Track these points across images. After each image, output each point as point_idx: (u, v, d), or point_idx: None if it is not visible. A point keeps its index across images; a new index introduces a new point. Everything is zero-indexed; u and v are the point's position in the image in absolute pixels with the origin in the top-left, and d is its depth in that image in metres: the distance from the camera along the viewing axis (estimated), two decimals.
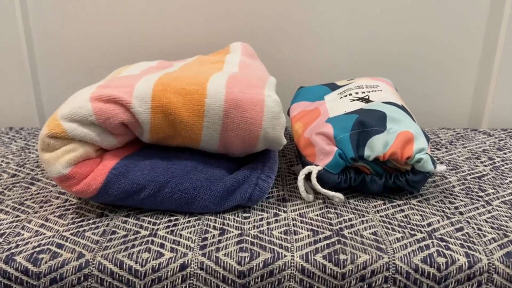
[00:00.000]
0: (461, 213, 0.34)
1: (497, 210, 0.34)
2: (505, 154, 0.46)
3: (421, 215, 0.33)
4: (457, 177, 0.40)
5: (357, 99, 0.41)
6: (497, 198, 0.36)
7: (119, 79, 0.34)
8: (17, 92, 0.59)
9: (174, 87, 0.32)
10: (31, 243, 0.29)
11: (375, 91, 0.42)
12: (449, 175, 0.41)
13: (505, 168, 0.42)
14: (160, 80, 0.33)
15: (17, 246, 0.29)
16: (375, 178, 0.35)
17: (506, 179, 0.40)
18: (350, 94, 0.42)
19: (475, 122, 0.60)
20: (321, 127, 0.36)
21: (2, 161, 0.43)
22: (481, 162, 0.44)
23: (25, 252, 0.28)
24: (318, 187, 0.34)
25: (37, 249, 0.29)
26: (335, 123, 0.36)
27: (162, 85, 0.32)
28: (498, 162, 0.44)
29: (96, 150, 0.32)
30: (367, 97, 0.41)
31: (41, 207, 0.35)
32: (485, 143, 0.49)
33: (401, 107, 0.38)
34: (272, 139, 0.33)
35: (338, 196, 0.34)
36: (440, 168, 0.35)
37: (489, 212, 0.34)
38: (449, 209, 0.34)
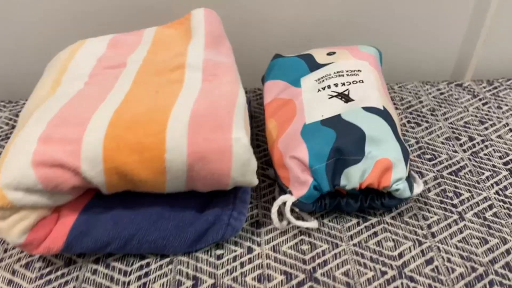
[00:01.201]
0: (433, 235, 0.34)
1: (469, 228, 0.34)
2: (486, 128, 0.44)
3: (393, 240, 0.33)
4: (434, 172, 0.39)
5: (336, 96, 0.37)
6: (471, 207, 0.36)
7: (60, 119, 0.29)
8: None
9: (128, 142, 0.28)
10: None
11: (356, 82, 0.38)
12: (426, 168, 0.40)
13: (484, 155, 0.41)
14: (111, 128, 0.28)
15: None
16: (350, 201, 0.34)
17: (484, 173, 0.39)
18: (329, 87, 0.38)
19: (463, 68, 0.56)
20: (296, 148, 0.33)
21: None
22: (461, 145, 0.42)
23: None
24: (292, 220, 0.33)
25: None
26: (310, 141, 0.33)
27: (114, 141, 0.28)
28: (478, 143, 0.42)
29: (49, 208, 0.30)
30: (346, 92, 0.37)
31: (5, 251, 0.33)
32: (467, 109, 0.47)
33: (382, 113, 0.35)
34: (242, 184, 0.30)
35: (313, 225, 0.33)
36: (417, 190, 0.34)
37: (461, 232, 0.34)
38: (421, 228, 0.34)
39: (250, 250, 0.33)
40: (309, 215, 0.35)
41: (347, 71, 0.39)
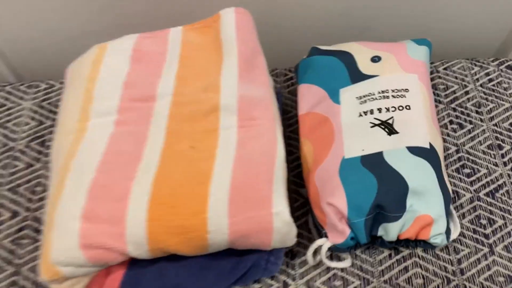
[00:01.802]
0: (461, 272, 0.35)
1: (497, 264, 0.35)
2: None
3: (423, 277, 0.35)
4: (471, 193, 0.39)
5: (378, 125, 0.35)
6: (502, 238, 0.36)
7: (99, 189, 0.29)
8: None
9: (171, 225, 0.28)
10: None
11: (402, 108, 0.35)
12: (463, 187, 0.39)
13: None
14: (153, 208, 0.28)
15: None
16: (385, 242, 0.34)
17: None
18: (372, 113, 0.35)
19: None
20: (334, 193, 0.32)
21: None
22: (502, 156, 0.40)
23: None
24: (328, 263, 0.34)
25: None
26: (349, 187, 0.32)
27: (157, 224, 0.28)
28: None
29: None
30: (391, 121, 0.35)
31: None
32: None
33: (428, 153, 0.33)
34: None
35: (346, 265, 0.34)
36: (454, 236, 0.34)
37: (489, 269, 0.35)
38: (451, 263, 0.35)
39: (285, 284, 0.35)
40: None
41: (393, 90, 0.36)
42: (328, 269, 0.36)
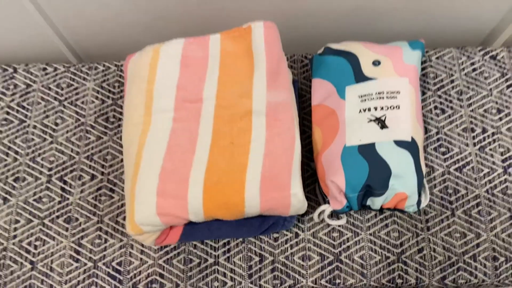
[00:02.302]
0: (428, 228, 0.47)
1: (455, 223, 0.47)
2: (500, 119, 0.51)
3: (398, 231, 0.47)
4: (443, 168, 0.49)
5: (374, 120, 0.44)
6: (462, 204, 0.48)
7: (167, 174, 0.40)
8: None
9: (219, 202, 0.40)
10: (143, 272, 0.46)
11: (393, 108, 0.44)
12: (438, 163, 0.50)
13: (490, 149, 0.50)
14: (206, 191, 0.40)
15: (134, 276, 0.46)
16: (372, 208, 0.46)
17: (483, 170, 0.49)
18: (369, 110, 0.45)
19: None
20: (336, 174, 0.43)
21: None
22: (473, 137, 0.50)
23: (142, 281, 0.46)
24: (329, 221, 0.46)
25: (150, 278, 0.46)
26: (348, 170, 0.43)
27: (209, 202, 0.40)
28: (489, 136, 0.51)
29: None
30: (383, 118, 0.44)
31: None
32: (491, 93, 0.52)
33: (410, 145, 0.43)
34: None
35: (342, 223, 0.46)
36: (423, 205, 0.45)
37: (449, 227, 0.47)
38: (421, 222, 0.47)
39: (297, 235, 0.48)
40: None
41: (387, 92, 0.45)
42: (329, 224, 0.48)
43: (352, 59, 0.48)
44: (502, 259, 0.46)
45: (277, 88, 0.44)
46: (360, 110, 0.46)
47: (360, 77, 0.47)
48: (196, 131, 0.43)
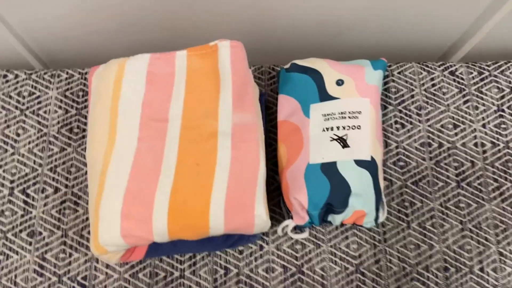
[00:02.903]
0: (385, 240, 0.49)
1: (410, 235, 0.50)
2: (456, 134, 0.53)
3: (357, 243, 0.49)
4: (401, 181, 0.51)
5: (336, 139, 0.46)
6: (417, 217, 0.50)
7: (132, 195, 0.40)
8: None
9: (184, 224, 0.40)
10: (108, 287, 0.46)
11: (354, 128, 0.46)
12: (396, 177, 0.52)
13: (444, 164, 0.52)
14: (171, 213, 0.40)
15: None
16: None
17: (437, 184, 0.51)
18: (332, 129, 0.46)
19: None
20: (299, 191, 0.45)
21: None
22: (430, 152, 0.53)
23: None
24: (292, 235, 0.47)
25: None
26: (310, 188, 0.45)
27: (174, 224, 0.40)
28: (444, 151, 0.53)
29: None
30: (345, 137, 0.46)
31: None
32: (449, 109, 0.55)
33: (369, 164, 0.45)
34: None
35: (305, 236, 0.48)
36: (381, 219, 0.47)
37: (404, 238, 0.49)
38: (379, 234, 0.49)
39: (261, 247, 0.49)
40: None
41: (349, 112, 0.47)
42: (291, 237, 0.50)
43: (317, 77, 0.49)
44: (452, 269, 0.50)
45: (242, 109, 0.44)
46: (323, 129, 0.47)
47: (324, 96, 0.48)
48: (162, 151, 0.43)
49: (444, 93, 0.56)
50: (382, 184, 0.48)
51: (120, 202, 0.41)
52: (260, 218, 0.42)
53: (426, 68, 0.57)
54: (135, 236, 0.41)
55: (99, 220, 0.41)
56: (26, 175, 0.50)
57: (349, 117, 0.47)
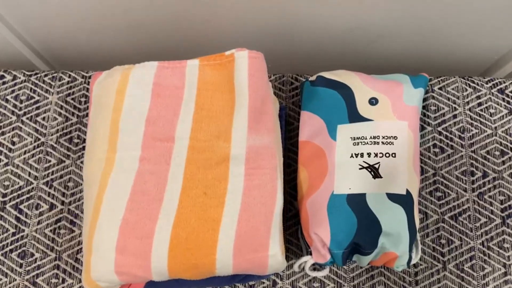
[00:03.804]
0: (416, 283, 0.43)
1: (446, 278, 0.43)
2: (503, 162, 0.47)
3: (384, 284, 0.43)
4: (438, 215, 0.45)
5: (366, 168, 0.40)
6: (455, 257, 0.44)
7: (129, 226, 0.35)
8: None
9: (187, 263, 0.35)
10: None
11: (389, 155, 0.40)
12: (432, 209, 0.45)
13: (488, 197, 0.46)
14: (172, 249, 0.35)
15: None
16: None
17: (480, 220, 0.45)
18: (362, 156, 0.40)
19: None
20: (321, 225, 0.39)
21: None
22: (473, 182, 0.46)
23: None
24: (310, 273, 0.41)
25: None
26: (334, 223, 0.39)
27: (176, 261, 0.35)
28: (489, 181, 0.46)
29: None
30: (377, 166, 0.40)
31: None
32: (496, 132, 0.48)
33: (404, 200, 0.39)
34: None
35: (325, 274, 0.42)
36: (414, 261, 0.41)
37: (439, 282, 0.43)
38: (409, 275, 0.44)
39: (274, 283, 0.44)
40: None
41: (383, 137, 0.40)
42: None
43: (346, 94, 0.43)
44: None
45: (260, 130, 0.38)
46: (352, 155, 0.41)
47: (354, 116, 0.42)
48: (165, 177, 0.37)
49: (491, 114, 0.49)
50: (417, 220, 0.42)
51: (115, 233, 0.36)
52: (274, 258, 0.36)
53: (471, 84, 0.50)
54: (131, 274, 0.35)
55: (92, 252, 0.36)
56: (20, 188, 0.46)
57: (383, 142, 0.41)
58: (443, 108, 0.49)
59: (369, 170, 0.40)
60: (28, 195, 0.46)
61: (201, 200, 0.36)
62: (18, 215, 0.45)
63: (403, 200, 0.40)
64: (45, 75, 0.50)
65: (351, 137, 0.42)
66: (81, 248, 0.44)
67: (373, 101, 0.42)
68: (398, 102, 0.42)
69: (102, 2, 0.48)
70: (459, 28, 0.51)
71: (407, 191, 0.40)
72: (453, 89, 0.50)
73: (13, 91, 0.49)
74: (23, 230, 0.45)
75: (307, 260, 0.42)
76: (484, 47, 0.54)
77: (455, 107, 0.50)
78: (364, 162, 0.41)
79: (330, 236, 0.40)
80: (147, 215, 0.36)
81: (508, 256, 0.45)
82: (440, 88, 0.50)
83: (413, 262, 0.42)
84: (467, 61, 0.56)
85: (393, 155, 0.40)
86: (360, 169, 0.41)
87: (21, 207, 0.45)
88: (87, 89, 0.49)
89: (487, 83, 0.50)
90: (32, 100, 0.49)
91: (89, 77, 0.50)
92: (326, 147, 0.42)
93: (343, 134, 0.42)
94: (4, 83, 0.49)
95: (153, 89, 0.40)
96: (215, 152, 0.38)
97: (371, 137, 0.41)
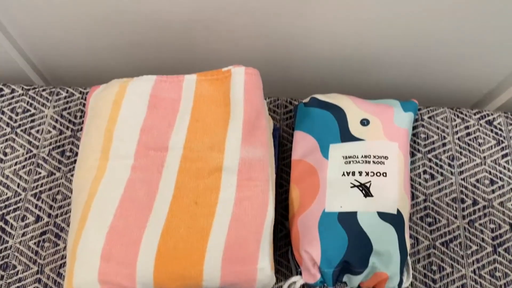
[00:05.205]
0: None
1: None
2: (493, 191, 0.47)
3: None
4: (429, 241, 0.45)
5: (357, 186, 0.40)
6: (447, 284, 0.43)
7: (116, 233, 0.35)
8: None
9: (173, 272, 0.34)
10: None
11: (380, 175, 0.40)
12: (423, 234, 0.45)
13: (479, 224, 0.46)
14: (159, 258, 0.34)
15: None
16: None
17: (471, 247, 0.45)
18: (353, 174, 0.40)
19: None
20: (311, 243, 0.39)
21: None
22: (463, 209, 0.46)
23: None
24: None
25: None
26: (325, 241, 0.38)
27: (162, 271, 0.34)
28: (479, 209, 0.47)
29: None
30: (368, 185, 0.40)
31: None
32: (485, 162, 0.48)
33: (394, 219, 0.39)
34: None
35: None
36: (405, 285, 0.40)
37: None
38: None
39: None
40: None
41: (374, 156, 0.41)
42: None
43: (339, 114, 0.44)
44: None
45: (253, 143, 0.39)
46: (343, 173, 0.42)
47: (347, 136, 0.43)
48: (157, 185, 0.37)
49: (480, 144, 0.50)
50: (408, 242, 0.41)
51: (101, 240, 0.35)
52: (263, 272, 0.35)
53: (460, 115, 0.52)
54: (114, 283, 0.34)
55: (76, 258, 0.35)
56: (8, 199, 0.45)
57: (374, 162, 0.41)
58: (433, 137, 0.50)
59: (361, 188, 0.41)
60: (15, 206, 0.45)
61: (191, 209, 0.36)
62: (3, 225, 0.44)
63: (394, 220, 0.40)
64: (43, 90, 0.51)
65: (343, 156, 0.42)
66: (64, 262, 0.43)
67: (364, 122, 0.43)
68: (389, 124, 0.43)
69: (102, 22, 0.50)
70: (450, 59, 0.53)
71: (398, 211, 0.40)
72: (442, 118, 0.51)
73: (10, 104, 0.49)
74: (7, 241, 0.43)
75: (297, 281, 0.41)
76: (473, 80, 0.56)
77: (444, 136, 0.51)
78: (355, 180, 0.41)
79: (320, 254, 0.39)
80: (136, 223, 0.36)
81: (500, 286, 0.44)
82: (429, 118, 0.51)
83: (404, 285, 0.41)
84: (456, 94, 0.58)
85: (384, 174, 0.41)
86: (351, 187, 0.41)
87: (7, 217, 0.44)
88: (84, 105, 0.50)
89: (475, 115, 0.52)
90: (28, 113, 0.49)
91: (87, 93, 0.51)
92: (318, 165, 0.43)
93: (335, 153, 0.42)
94: (2, 96, 0.50)
95: (150, 100, 0.40)
96: (208, 162, 0.38)
97: (362, 156, 0.41)
